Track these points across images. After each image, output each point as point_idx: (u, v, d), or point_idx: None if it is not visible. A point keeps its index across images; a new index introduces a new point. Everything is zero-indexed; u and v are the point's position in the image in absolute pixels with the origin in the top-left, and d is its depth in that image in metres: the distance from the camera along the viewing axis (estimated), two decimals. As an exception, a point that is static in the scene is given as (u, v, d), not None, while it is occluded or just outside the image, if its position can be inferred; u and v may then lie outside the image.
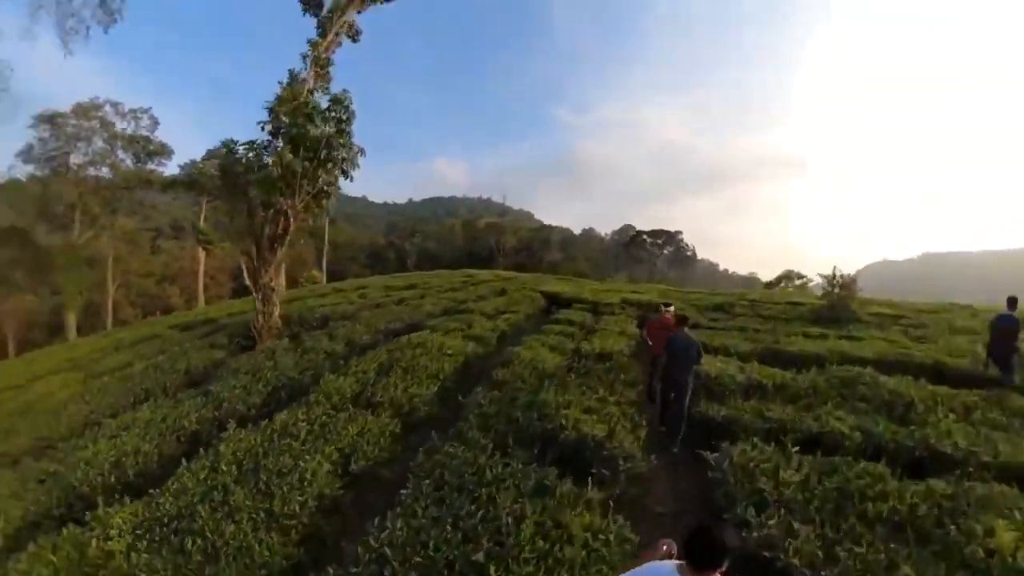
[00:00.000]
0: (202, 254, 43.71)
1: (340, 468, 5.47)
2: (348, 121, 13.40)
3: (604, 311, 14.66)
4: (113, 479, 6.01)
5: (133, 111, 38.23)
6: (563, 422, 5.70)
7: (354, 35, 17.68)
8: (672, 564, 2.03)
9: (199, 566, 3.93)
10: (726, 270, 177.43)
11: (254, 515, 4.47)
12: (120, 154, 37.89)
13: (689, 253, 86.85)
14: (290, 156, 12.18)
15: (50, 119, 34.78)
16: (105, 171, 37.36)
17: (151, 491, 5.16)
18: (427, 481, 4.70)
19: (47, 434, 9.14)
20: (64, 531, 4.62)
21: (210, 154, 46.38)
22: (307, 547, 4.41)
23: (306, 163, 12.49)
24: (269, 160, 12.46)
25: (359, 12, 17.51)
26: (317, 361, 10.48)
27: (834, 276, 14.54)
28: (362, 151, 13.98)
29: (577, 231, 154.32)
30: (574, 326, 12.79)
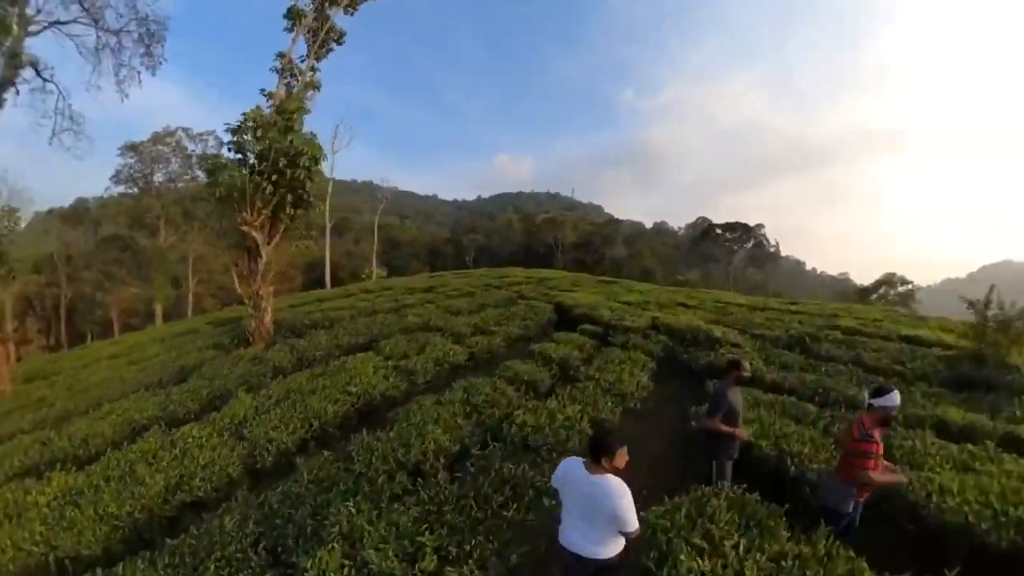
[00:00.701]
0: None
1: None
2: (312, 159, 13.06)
3: (617, 337, 10.27)
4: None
5: (200, 134, 43.99)
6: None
7: (337, 37, 16.12)
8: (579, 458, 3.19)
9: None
10: (814, 269, 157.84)
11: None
12: (195, 170, 43.05)
13: (772, 249, 76.68)
14: (237, 174, 12.25)
15: (133, 147, 41.72)
16: (183, 186, 44.25)
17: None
18: None
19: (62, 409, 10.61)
20: None
21: None
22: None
23: (266, 182, 12.30)
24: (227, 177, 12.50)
25: (349, 12, 16.18)
26: (261, 373, 10.14)
27: (987, 303, 9.07)
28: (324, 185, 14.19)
29: (648, 225, 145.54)
30: (547, 368, 8.77)
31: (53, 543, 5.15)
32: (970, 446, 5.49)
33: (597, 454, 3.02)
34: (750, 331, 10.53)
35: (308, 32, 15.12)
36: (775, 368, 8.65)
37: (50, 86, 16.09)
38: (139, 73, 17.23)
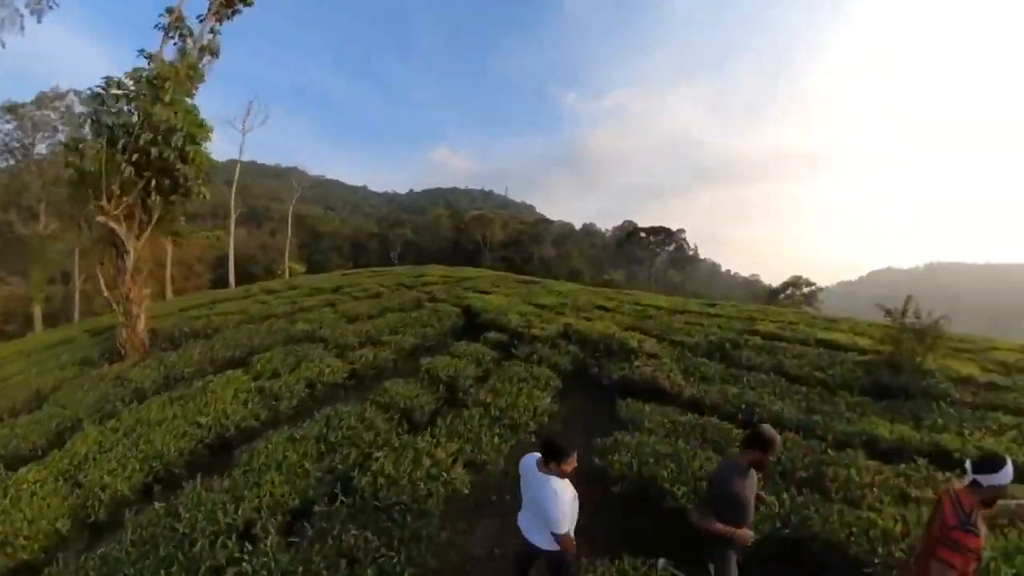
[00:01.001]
0: (170, 246, 39.75)
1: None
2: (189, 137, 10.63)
3: (522, 348, 8.83)
4: None
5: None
6: None
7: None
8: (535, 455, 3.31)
9: None
10: (728, 271, 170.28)
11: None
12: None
13: (691, 253, 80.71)
14: (94, 153, 9.86)
15: (11, 109, 33.29)
16: (72, 160, 35.62)
17: None
18: None
19: None
20: None
21: None
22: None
23: (125, 163, 9.98)
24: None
25: None
26: (119, 397, 8.23)
27: (904, 310, 8.66)
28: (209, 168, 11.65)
29: (578, 226, 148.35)
30: (433, 389, 7.14)
31: None
32: (904, 467, 5.20)
33: (546, 457, 3.16)
34: (669, 337, 9.47)
35: None
36: (695, 381, 7.61)
37: None
38: (21, 17, 14.45)
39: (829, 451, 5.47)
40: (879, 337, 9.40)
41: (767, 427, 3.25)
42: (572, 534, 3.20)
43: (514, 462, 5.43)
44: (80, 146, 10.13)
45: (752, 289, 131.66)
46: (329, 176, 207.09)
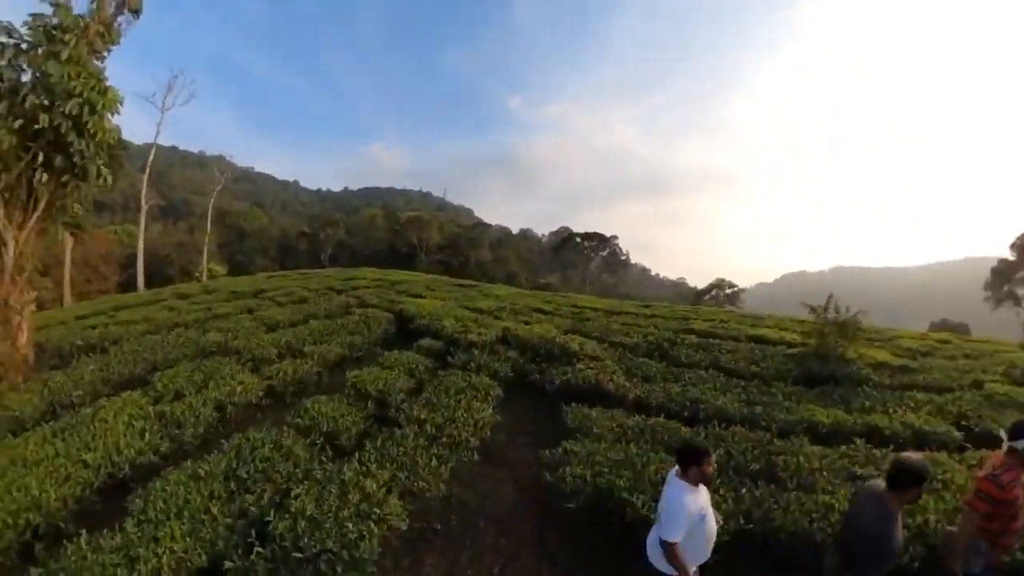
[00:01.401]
0: (69, 242, 34.36)
1: None
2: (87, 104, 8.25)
3: (459, 355, 8.16)
4: None
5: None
6: None
7: None
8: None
9: None
10: (657, 274, 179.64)
11: None
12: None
13: (623, 257, 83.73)
14: None
15: None
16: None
17: None
18: None
19: None
20: None
21: None
22: None
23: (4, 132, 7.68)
24: None
25: None
26: None
27: (827, 307, 9.20)
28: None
29: (515, 230, 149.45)
30: (361, 406, 6.36)
31: None
32: (844, 448, 5.49)
33: (683, 464, 2.96)
34: (608, 339, 9.28)
35: None
36: (638, 381, 7.42)
37: None
38: None
39: (775, 440, 5.57)
40: (805, 331, 9.91)
41: (911, 459, 2.75)
42: (690, 565, 2.87)
43: (458, 484, 4.95)
44: None
45: (679, 291, 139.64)
46: (258, 169, 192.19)
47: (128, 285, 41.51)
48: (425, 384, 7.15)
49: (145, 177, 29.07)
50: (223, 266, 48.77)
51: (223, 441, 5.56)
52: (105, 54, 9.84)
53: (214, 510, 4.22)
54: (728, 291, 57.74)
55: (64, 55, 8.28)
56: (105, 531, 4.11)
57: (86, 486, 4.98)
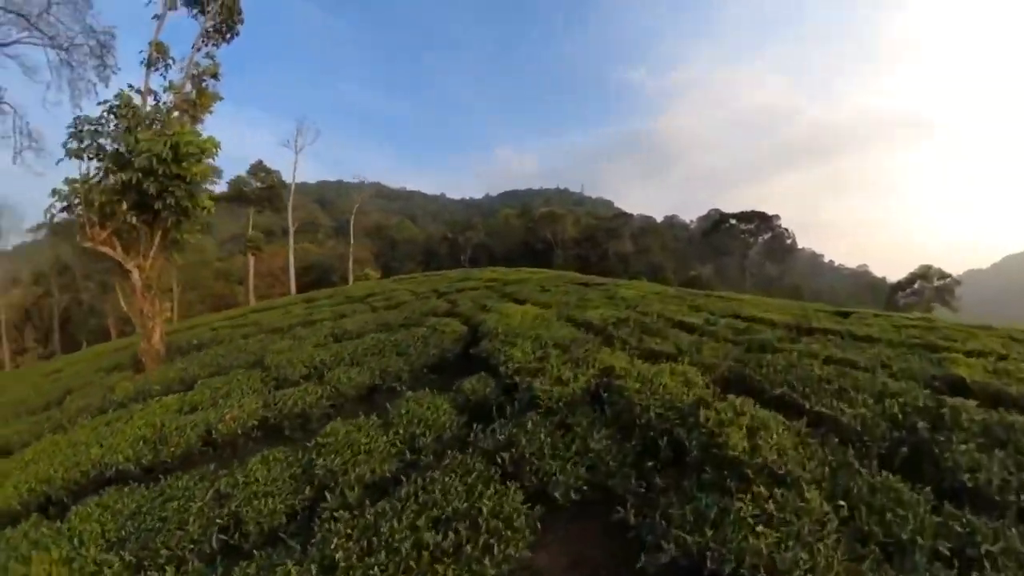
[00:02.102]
0: (251, 258, 44.88)
1: None
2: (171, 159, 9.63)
3: (502, 426, 4.45)
4: None
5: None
6: None
7: (230, 16, 13.03)
8: None
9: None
10: (832, 261, 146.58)
11: None
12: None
13: (788, 241, 69.38)
14: (74, 187, 9.82)
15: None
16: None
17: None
18: None
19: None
20: None
21: (253, 168, 46.77)
22: None
23: (99, 195, 9.85)
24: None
25: None
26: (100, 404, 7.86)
27: None
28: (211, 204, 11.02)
29: (660, 219, 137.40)
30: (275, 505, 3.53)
31: None
32: None
33: None
34: (802, 402, 4.71)
35: (201, 14, 12.74)
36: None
37: (5, 106, 15.36)
38: (94, 85, 15.67)
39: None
40: None
41: None
42: None
43: None
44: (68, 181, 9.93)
45: (864, 282, 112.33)
46: (409, 187, 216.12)
47: (302, 289, 48.89)
48: (416, 471, 4.02)
49: (289, 206, 34.48)
50: (376, 271, 52.74)
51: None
52: (202, 117, 12.55)
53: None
54: (937, 283, 42.82)
55: (139, 129, 9.90)
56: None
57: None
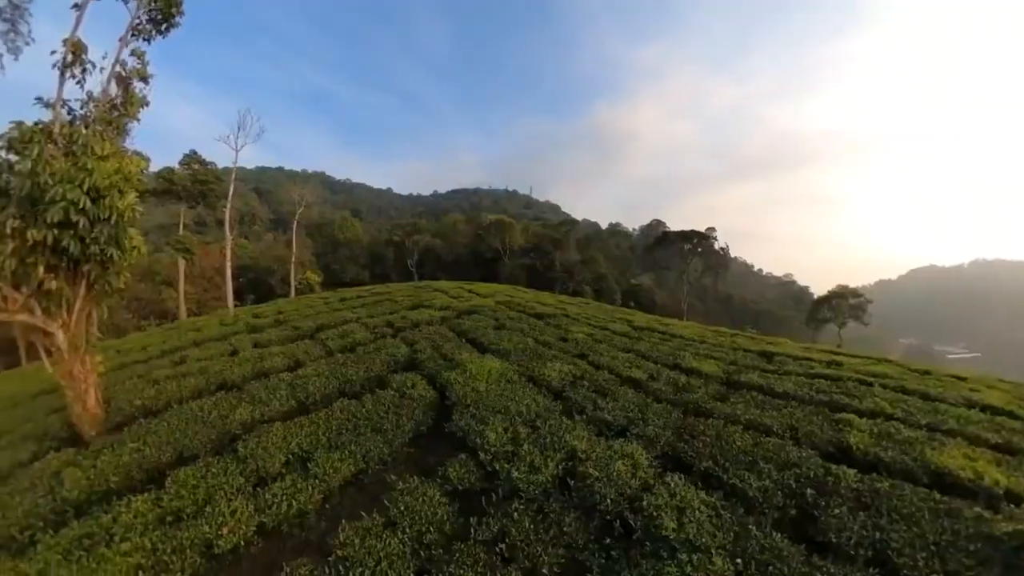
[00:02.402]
0: (182, 262, 41.10)
1: None
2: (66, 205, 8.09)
3: (487, 524, 5.46)
4: None
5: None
6: None
7: (169, 5, 11.00)
8: None
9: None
10: (761, 270, 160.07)
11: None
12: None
13: (723, 253, 75.16)
14: None
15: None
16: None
17: None
18: None
19: None
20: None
21: (187, 158, 42.98)
22: None
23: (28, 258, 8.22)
24: None
25: None
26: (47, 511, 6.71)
27: None
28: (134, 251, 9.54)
29: (604, 225, 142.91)
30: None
31: None
32: None
33: None
34: (732, 478, 5.99)
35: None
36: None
37: None
38: (1, 56, 13.79)
39: None
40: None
41: None
42: None
43: None
44: None
45: (788, 291, 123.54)
46: (354, 179, 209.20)
47: (239, 293, 46.10)
48: (432, 566, 4.98)
49: (228, 209, 31.47)
50: (318, 275, 51.04)
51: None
52: (125, 129, 10.52)
53: None
54: (852, 301, 48.48)
55: (35, 162, 7.99)
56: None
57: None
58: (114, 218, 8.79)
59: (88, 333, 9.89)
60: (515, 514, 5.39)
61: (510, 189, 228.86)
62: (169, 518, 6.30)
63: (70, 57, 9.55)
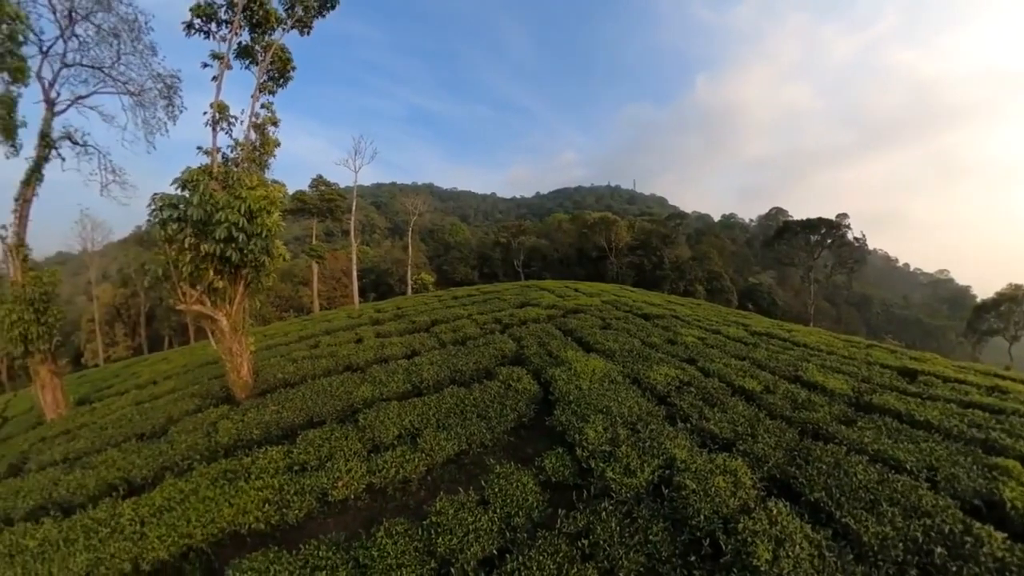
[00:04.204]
0: (315, 266, 48.72)
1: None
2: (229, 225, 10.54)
3: (576, 516, 5.60)
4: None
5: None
6: None
7: (284, 65, 13.78)
8: None
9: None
10: (906, 266, 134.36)
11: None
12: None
13: (858, 244, 63.26)
14: (163, 257, 11.15)
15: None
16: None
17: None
18: None
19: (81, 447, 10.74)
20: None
21: (315, 181, 50.50)
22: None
23: (184, 264, 10.80)
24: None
25: (304, 33, 14.21)
26: (203, 449, 8.95)
27: None
28: (282, 257, 12.34)
29: (717, 217, 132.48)
30: None
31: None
32: None
33: None
34: (844, 515, 5.30)
35: (253, 64, 13.63)
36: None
37: (90, 148, 16.95)
38: (165, 123, 17.75)
39: None
40: None
41: None
42: None
43: None
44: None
45: (941, 292, 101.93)
46: (460, 188, 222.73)
47: (363, 291, 52.87)
48: (515, 548, 5.25)
49: (352, 222, 38.23)
50: (432, 275, 55.26)
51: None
52: (267, 164, 13.60)
53: None
54: None
55: (205, 195, 10.59)
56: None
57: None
58: (264, 233, 11.24)
59: (244, 320, 12.52)
60: (603, 513, 5.45)
61: (612, 184, 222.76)
62: (295, 467, 7.59)
63: (217, 115, 12.37)
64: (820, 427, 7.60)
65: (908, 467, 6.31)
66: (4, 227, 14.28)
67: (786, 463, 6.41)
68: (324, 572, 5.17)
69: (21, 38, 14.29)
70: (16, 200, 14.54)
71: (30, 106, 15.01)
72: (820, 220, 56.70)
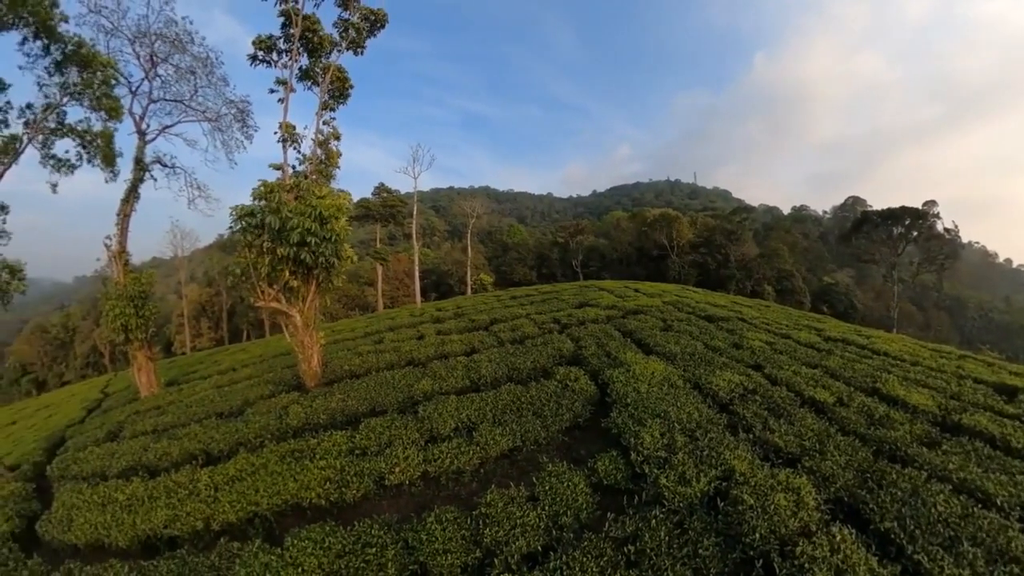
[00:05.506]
0: (379, 268, 51.85)
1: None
2: (303, 231, 11.64)
3: (627, 521, 5.60)
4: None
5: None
6: None
7: (343, 85, 14.97)
8: None
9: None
10: (1008, 261, 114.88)
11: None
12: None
13: (949, 237, 53.21)
14: (242, 259, 12.26)
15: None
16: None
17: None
18: None
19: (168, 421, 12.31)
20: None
21: (377, 189, 53.43)
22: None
23: (262, 265, 11.99)
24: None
25: (358, 53, 15.37)
26: (274, 429, 9.98)
27: None
28: (351, 258, 13.25)
29: (786, 210, 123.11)
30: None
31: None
32: None
33: None
34: (917, 551, 4.77)
35: (315, 85, 14.89)
36: None
37: (178, 169, 19.29)
38: (242, 142, 20.01)
39: None
40: None
41: None
42: None
43: None
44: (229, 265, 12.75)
45: None
46: (516, 189, 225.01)
47: (424, 291, 55.76)
48: (560, 546, 5.32)
49: (414, 226, 40.70)
50: (490, 276, 56.39)
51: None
52: (332, 175, 14.85)
53: None
54: None
55: (279, 205, 11.78)
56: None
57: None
58: (333, 237, 12.19)
59: (315, 316, 13.60)
60: (653, 521, 5.35)
61: (671, 179, 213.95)
62: (356, 451, 8.19)
63: (285, 134, 13.67)
64: (898, 447, 6.95)
65: (998, 502, 5.62)
66: (109, 237, 16.73)
67: (856, 485, 5.95)
68: (374, 549, 5.53)
69: (113, 82, 16.75)
70: (118, 215, 16.98)
71: (125, 137, 18.31)
72: (904, 209, 49.94)
